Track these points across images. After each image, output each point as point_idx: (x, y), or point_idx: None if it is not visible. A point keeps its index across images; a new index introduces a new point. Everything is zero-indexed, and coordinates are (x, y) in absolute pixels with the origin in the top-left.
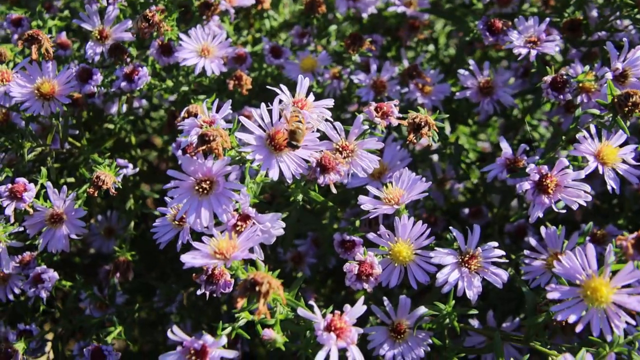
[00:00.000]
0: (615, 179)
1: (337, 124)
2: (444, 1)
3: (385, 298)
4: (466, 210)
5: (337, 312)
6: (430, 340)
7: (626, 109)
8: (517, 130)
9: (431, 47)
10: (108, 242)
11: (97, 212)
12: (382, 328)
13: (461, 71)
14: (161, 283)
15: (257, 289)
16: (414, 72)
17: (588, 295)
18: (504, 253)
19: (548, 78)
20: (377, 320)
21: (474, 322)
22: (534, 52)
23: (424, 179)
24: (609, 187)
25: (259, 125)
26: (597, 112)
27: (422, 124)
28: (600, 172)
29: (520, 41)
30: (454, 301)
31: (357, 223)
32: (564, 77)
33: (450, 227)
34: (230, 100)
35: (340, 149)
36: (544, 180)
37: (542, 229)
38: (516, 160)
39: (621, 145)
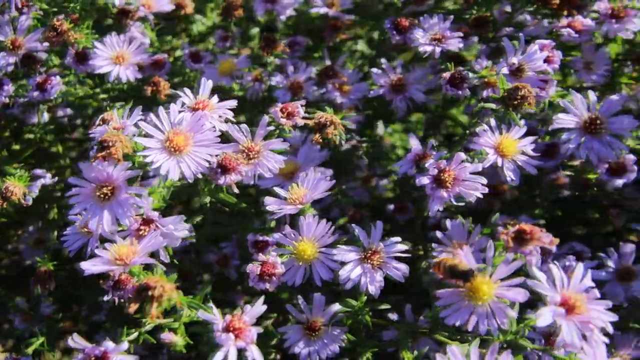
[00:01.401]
0: (515, 170)
1: (243, 125)
2: (376, 1)
3: (299, 297)
4: (391, 206)
5: (238, 312)
6: (344, 336)
7: (515, 102)
8: (439, 125)
9: (360, 47)
10: (37, 252)
11: (28, 223)
12: (297, 326)
13: (374, 70)
14: (86, 291)
15: (149, 293)
16: (330, 72)
17: (471, 295)
18: (406, 247)
19: (447, 74)
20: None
21: (394, 316)
22: (438, 49)
23: (327, 178)
24: (508, 179)
25: (159, 128)
26: (493, 106)
27: (327, 123)
28: (499, 164)
29: (426, 39)
30: (365, 297)
31: (273, 224)
32: (462, 73)
33: (352, 225)
34: (141, 107)
35: (246, 151)
36: (441, 174)
37: (447, 221)
38: (425, 155)
39: (521, 137)
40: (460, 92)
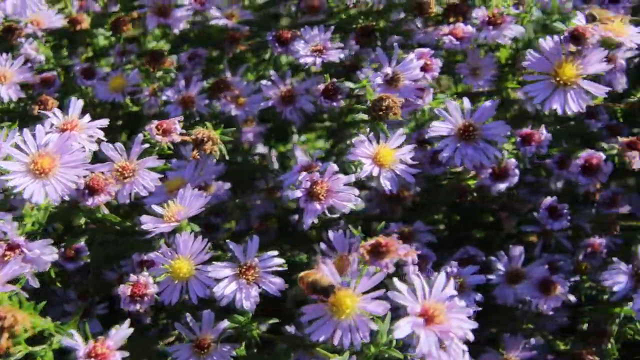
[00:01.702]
0: (392, 179)
1: (117, 144)
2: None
3: (187, 314)
4: (296, 217)
5: (102, 337)
6: (234, 352)
7: (380, 112)
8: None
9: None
10: None
11: None
12: (187, 345)
13: (263, 82)
14: None
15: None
16: (221, 86)
17: (335, 309)
18: (282, 261)
19: (321, 86)
20: None
21: (291, 329)
22: (319, 61)
23: (204, 194)
24: (385, 189)
25: (24, 151)
26: (365, 117)
27: (205, 139)
28: (375, 174)
29: (307, 50)
30: None
31: (163, 241)
32: (335, 85)
33: (227, 241)
34: (24, 127)
35: (120, 170)
36: (314, 187)
37: (330, 233)
38: (311, 167)
39: (400, 147)
40: (334, 103)
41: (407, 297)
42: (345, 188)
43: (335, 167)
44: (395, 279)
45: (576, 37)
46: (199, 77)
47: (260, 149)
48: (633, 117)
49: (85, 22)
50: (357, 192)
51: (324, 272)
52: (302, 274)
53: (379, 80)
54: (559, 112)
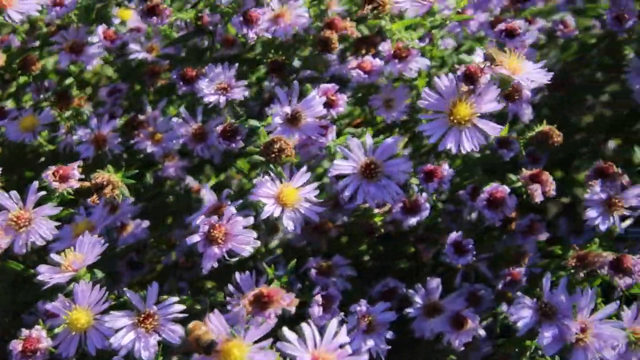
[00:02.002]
0: (296, 219)
1: (12, 192)
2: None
3: None
4: None
5: None
6: None
7: (273, 155)
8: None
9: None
10: None
11: None
12: None
13: (174, 120)
14: None
15: None
16: (135, 123)
17: None
18: (183, 307)
19: (219, 127)
20: None
21: None
22: (223, 99)
23: (102, 241)
24: (288, 228)
25: None
26: (262, 159)
27: (105, 184)
28: (277, 214)
29: (211, 89)
30: None
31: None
32: (234, 125)
33: (124, 289)
34: None
35: (15, 219)
36: (212, 231)
37: (236, 274)
38: (220, 206)
39: (304, 185)
40: (233, 145)
41: (297, 347)
42: (244, 231)
43: (233, 209)
44: (284, 328)
45: (468, 77)
46: (120, 112)
47: (191, 182)
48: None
49: (1, 59)
50: (255, 234)
51: (210, 325)
52: (190, 325)
53: (278, 120)
54: (454, 151)
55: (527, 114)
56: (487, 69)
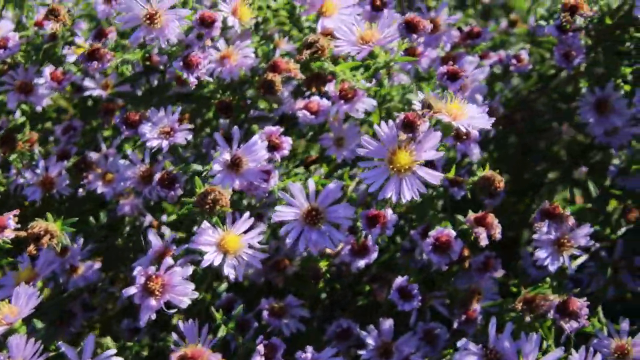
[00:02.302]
0: (238, 267)
1: None
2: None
3: None
4: None
5: None
6: None
7: (207, 206)
8: None
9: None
10: None
11: None
12: None
13: (121, 162)
14: None
15: None
16: (82, 165)
17: None
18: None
19: (157, 175)
20: None
21: None
22: (165, 143)
23: (37, 293)
24: (230, 277)
25: None
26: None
27: (42, 233)
28: (217, 263)
29: (154, 133)
30: None
31: None
32: (171, 173)
33: (59, 343)
34: None
35: None
36: (149, 282)
37: (180, 323)
38: (166, 251)
39: (247, 231)
40: (171, 192)
41: None
42: (183, 282)
43: (171, 260)
44: None
45: (407, 125)
46: (74, 150)
47: (149, 219)
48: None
49: None
50: (193, 286)
51: None
52: None
53: (217, 167)
54: (393, 200)
55: (475, 153)
56: (425, 118)
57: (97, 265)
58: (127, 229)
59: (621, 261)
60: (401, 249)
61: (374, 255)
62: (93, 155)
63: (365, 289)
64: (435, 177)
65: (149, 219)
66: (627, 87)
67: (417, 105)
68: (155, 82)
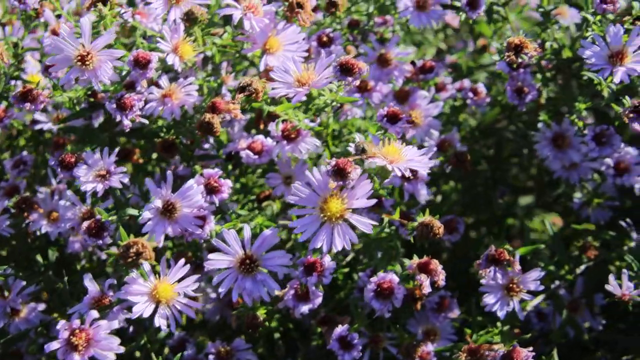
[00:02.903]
0: (171, 316)
1: None
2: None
3: None
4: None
5: None
6: None
7: (129, 259)
8: None
9: None
10: None
11: None
12: None
13: (61, 202)
14: None
15: None
16: (23, 204)
17: None
18: None
19: (85, 223)
20: None
21: None
22: (100, 187)
23: None
24: (162, 327)
25: None
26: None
27: None
28: (147, 314)
29: (89, 176)
30: None
31: None
32: (99, 222)
33: None
34: None
35: None
36: (72, 337)
37: None
38: (102, 298)
39: (182, 279)
40: (99, 241)
41: None
42: (108, 336)
43: (96, 314)
44: None
45: (338, 172)
46: (24, 185)
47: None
48: None
49: None
50: (118, 340)
51: None
52: None
53: (147, 214)
54: (324, 250)
55: (423, 194)
56: (356, 165)
57: (42, 306)
58: (83, 262)
59: (581, 299)
60: (357, 287)
61: (318, 300)
62: (42, 191)
63: (317, 330)
64: (367, 225)
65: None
66: (580, 124)
67: (351, 149)
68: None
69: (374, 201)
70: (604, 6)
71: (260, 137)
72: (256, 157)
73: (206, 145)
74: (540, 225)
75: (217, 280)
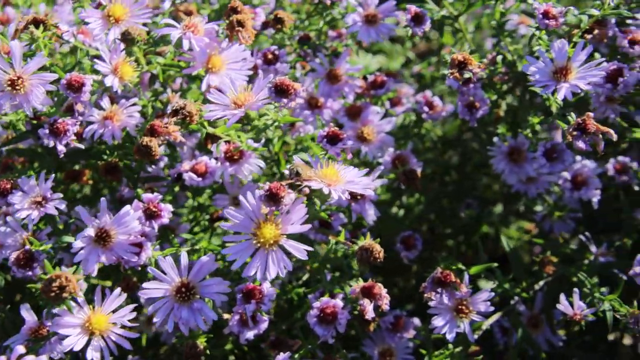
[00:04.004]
0: (105, 348)
1: None
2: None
3: None
4: None
5: None
6: None
7: (52, 294)
8: None
9: None
10: None
11: None
12: None
13: (1, 229)
14: None
15: None
16: None
17: None
18: None
19: (13, 254)
20: None
21: None
22: (35, 214)
23: None
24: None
25: None
26: None
27: None
28: (79, 347)
29: (24, 203)
30: None
31: None
32: (29, 252)
33: None
34: None
35: None
36: None
37: None
38: (39, 328)
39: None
40: (28, 272)
41: None
42: None
43: (21, 349)
44: None
45: (271, 197)
46: None
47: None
48: None
49: None
50: None
51: None
52: None
53: (79, 244)
54: (258, 278)
55: (370, 215)
56: (290, 189)
57: None
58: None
59: (541, 315)
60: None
61: (264, 325)
62: None
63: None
64: (301, 251)
65: None
66: (534, 138)
67: (287, 173)
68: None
69: (308, 226)
70: (546, 22)
71: (205, 158)
72: (200, 179)
73: (153, 167)
74: (516, 233)
75: (152, 310)
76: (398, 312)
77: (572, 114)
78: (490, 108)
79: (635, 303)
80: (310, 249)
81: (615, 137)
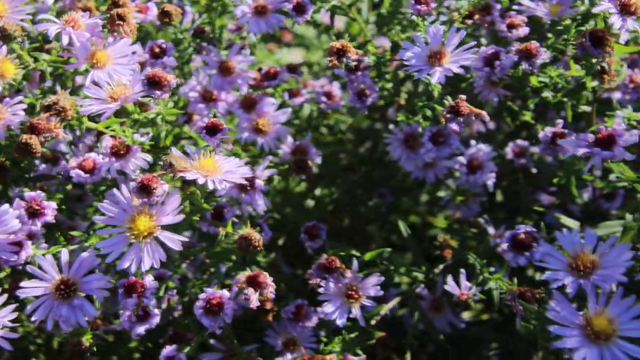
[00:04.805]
0: None
1: None
2: None
3: None
4: None
5: None
6: None
7: None
8: None
9: None
10: None
11: None
12: None
13: None
14: None
15: None
16: None
17: None
18: None
19: None
20: None
21: None
22: None
23: None
24: None
25: None
26: None
27: None
28: None
29: None
30: None
31: None
32: None
33: None
34: None
35: None
36: None
37: None
38: None
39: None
40: None
41: None
42: None
43: None
44: None
45: (142, 189)
46: None
47: None
48: None
49: None
50: None
51: None
52: None
53: None
54: (133, 270)
55: (260, 205)
56: (162, 180)
57: None
58: None
59: (442, 298)
60: None
61: (155, 320)
62: None
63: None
64: (176, 242)
65: None
66: (425, 124)
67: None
68: None
69: (182, 217)
70: (418, 7)
71: (93, 154)
72: (87, 175)
73: (43, 166)
74: (443, 222)
75: (31, 309)
76: (299, 301)
77: (449, 97)
78: (390, 96)
79: (515, 280)
80: (184, 239)
81: (487, 119)
